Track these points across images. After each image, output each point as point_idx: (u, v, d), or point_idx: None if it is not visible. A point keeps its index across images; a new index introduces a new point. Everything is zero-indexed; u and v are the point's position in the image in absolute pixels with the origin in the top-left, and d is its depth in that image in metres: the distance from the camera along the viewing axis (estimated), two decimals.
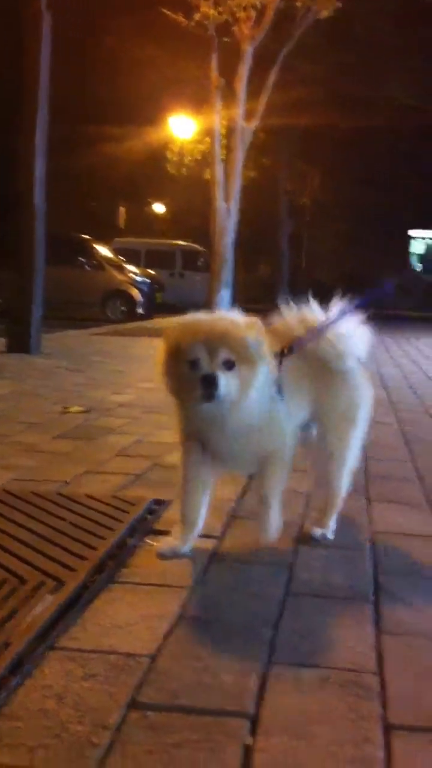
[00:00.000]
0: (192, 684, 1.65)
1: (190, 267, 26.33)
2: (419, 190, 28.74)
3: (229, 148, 13.60)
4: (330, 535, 2.61)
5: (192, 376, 2.09)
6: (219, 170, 13.37)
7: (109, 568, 2.27)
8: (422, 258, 33.51)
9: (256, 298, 27.30)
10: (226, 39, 13.40)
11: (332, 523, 2.64)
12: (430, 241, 33.24)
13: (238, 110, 13.39)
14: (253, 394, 2.16)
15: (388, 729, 1.51)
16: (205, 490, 2.44)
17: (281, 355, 2.35)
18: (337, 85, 18.97)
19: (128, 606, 2.03)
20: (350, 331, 2.56)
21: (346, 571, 2.34)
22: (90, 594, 2.09)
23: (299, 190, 27.15)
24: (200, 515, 2.44)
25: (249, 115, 13.67)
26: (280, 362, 2.33)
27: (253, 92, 13.63)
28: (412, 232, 33.06)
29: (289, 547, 2.52)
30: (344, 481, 2.62)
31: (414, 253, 33.73)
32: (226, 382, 2.08)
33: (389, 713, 1.56)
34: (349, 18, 14.01)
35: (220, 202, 13.41)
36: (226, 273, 13.87)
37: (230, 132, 13.55)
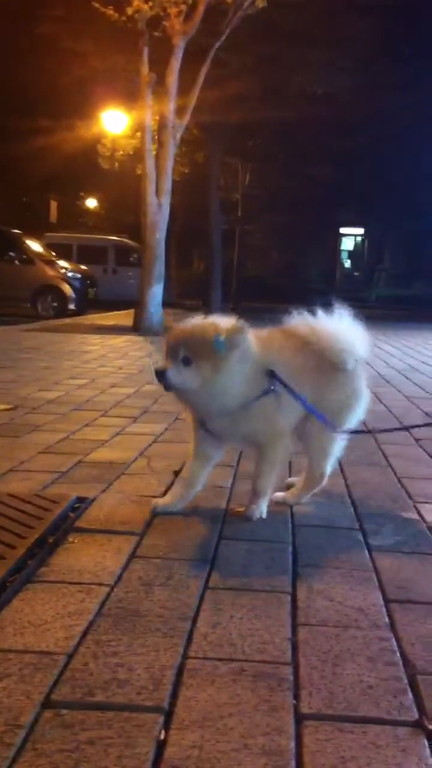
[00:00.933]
0: (107, 681, 1.65)
1: (123, 262, 26.22)
2: (351, 188, 29.15)
3: (160, 144, 13.53)
4: (292, 501, 2.99)
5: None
6: (150, 165, 13.29)
7: (29, 567, 2.25)
8: (351, 254, 34.01)
9: (190, 293, 27.39)
10: (157, 33, 13.33)
11: (305, 498, 3.01)
12: (359, 239, 33.71)
13: (169, 105, 13.34)
14: (221, 383, 2.56)
15: (300, 719, 1.54)
16: (209, 460, 2.88)
17: (271, 375, 2.69)
18: (267, 78, 19.05)
19: (46, 605, 2.02)
20: (351, 332, 2.91)
21: (266, 564, 2.37)
22: (8, 594, 2.07)
23: (232, 186, 27.27)
24: (199, 481, 2.86)
25: (180, 110, 13.62)
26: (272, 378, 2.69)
27: (185, 87, 13.59)
28: (342, 230, 33.51)
29: (211, 541, 2.54)
30: (325, 470, 2.99)
31: (344, 250, 34.19)
32: (177, 375, 2.54)
33: (301, 703, 1.59)
34: (276, 9, 13.98)
35: (151, 198, 13.34)
36: (159, 268, 13.81)
37: (161, 127, 13.48)
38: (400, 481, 3.50)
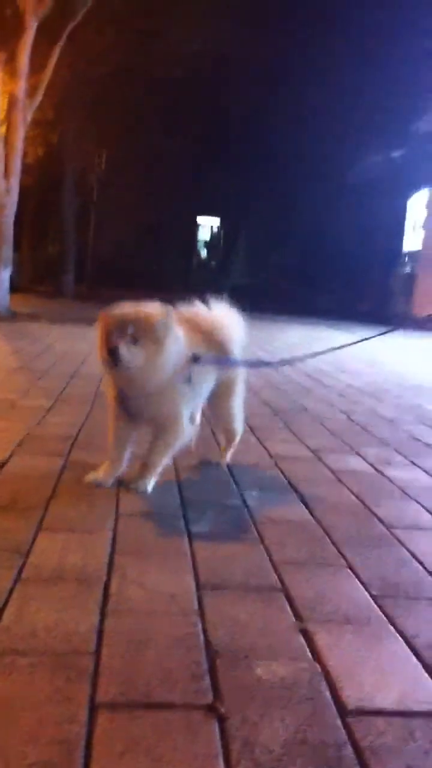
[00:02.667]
0: None
1: None
2: (206, 177, 29.37)
3: (9, 124, 13.15)
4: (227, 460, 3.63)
5: (106, 348, 2.79)
6: None
7: None
8: (207, 244, 34.33)
9: (42, 278, 26.84)
10: (8, 11, 12.95)
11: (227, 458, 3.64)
12: (215, 228, 34.05)
13: (20, 84, 12.99)
14: (160, 362, 2.83)
15: (94, 708, 1.55)
16: (129, 439, 3.14)
17: (194, 360, 3.02)
18: (120, 59, 18.86)
19: None
20: (235, 323, 3.43)
21: (82, 554, 2.36)
22: None
23: (87, 168, 26.88)
24: (124, 457, 3.15)
25: (32, 89, 13.30)
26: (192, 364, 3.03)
27: (37, 66, 13.27)
28: (199, 219, 33.73)
29: (28, 533, 2.50)
30: (238, 427, 3.61)
31: (201, 240, 34.45)
32: (128, 352, 2.76)
33: (98, 692, 1.60)
34: None
35: None
36: (6, 252, 13.46)
37: (11, 107, 13.10)
38: (228, 468, 3.57)
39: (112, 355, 2.76)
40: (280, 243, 31.20)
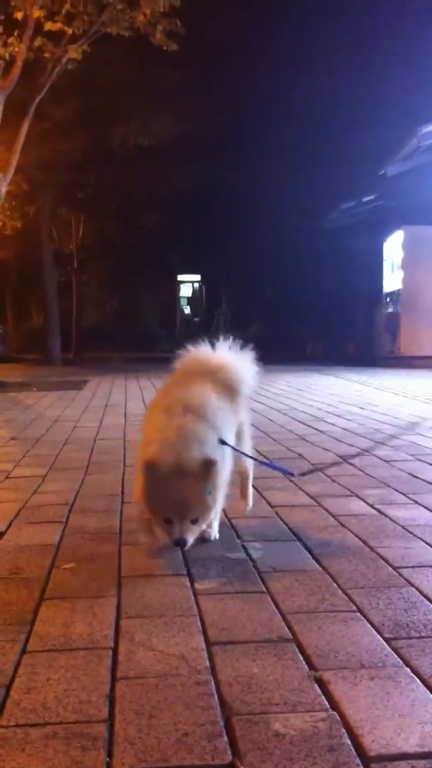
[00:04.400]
0: None
1: None
2: (184, 236, 29.71)
3: None
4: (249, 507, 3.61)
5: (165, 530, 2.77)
6: None
7: None
8: (190, 300, 34.58)
9: (29, 347, 26.96)
10: None
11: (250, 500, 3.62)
12: (196, 285, 34.32)
13: None
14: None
15: None
16: None
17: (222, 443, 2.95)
18: (90, 132, 19.30)
19: None
20: (247, 365, 3.39)
21: (87, 620, 2.33)
22: None
23: (65, 237, 27.21)
24: None
25: (3, 164, 13.52)
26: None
27: (7, 142, 13.52)
28: (180, 277, 34.03)
29: (32, 603, 2.47)
30: (249, 465, 3.54)
31: (183, 296, 34.71)
32: (191, 535, 2.75)
33: (114, 761, 1.56)
34: (93, 63, 14.30)
35: None
36: None
37: None
38: (230, 521, 3.54)
39: (180, 545, 2.73)
40: (262, 295, 31.47)
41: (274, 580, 2.70)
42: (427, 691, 1.85)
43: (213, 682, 1.91)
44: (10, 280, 30.90)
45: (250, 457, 3.49)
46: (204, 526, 2.88)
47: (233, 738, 1.65)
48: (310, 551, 3.06)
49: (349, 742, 1.63)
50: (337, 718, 1.73)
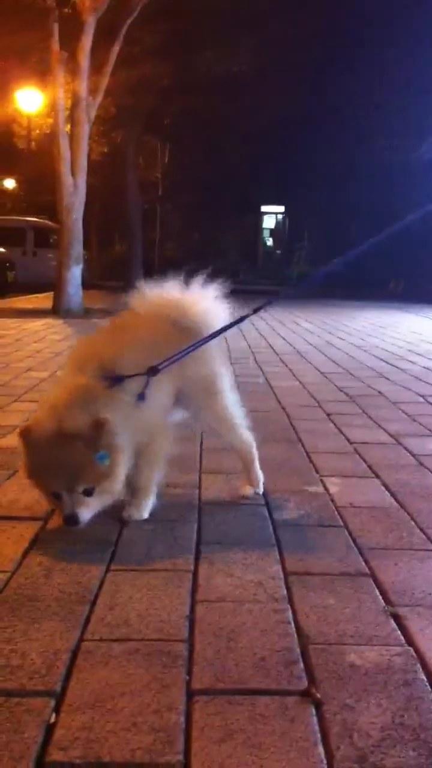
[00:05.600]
0: (0, 667, 1.64)
1: (43, 244, 25.66)
2: (270, 166, 29.22)
3: (74, 123, 13.32)
4: (260, 490, 2.91)
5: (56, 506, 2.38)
6: (64, 145, 13.09)
7: None
8: (272, 232, 34.14)
9: (111, 275, 27.15)
10: (67, 10, 13.10)
11: (260, 477, 2.92)
12: (279, 217, 33.84)
13: (82, 84, 13.13)
14: (120, 470, 2.36)
15: (191, 695, 1.56)
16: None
17: (151, 372, 2.45)
18: (178, 56, 18.98)
19: None
20: (210, 305, 2.74)
21: (169, 544, 2.38)
22: None
23: (150, 165, 27.08)
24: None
25: (93, 88, 13.44)
26: (148, 380, 2.45)
27: (98, 65, 13.41)
28: (263, 208, 33.59)
29: (115, 524, 2.54)
30: (245, 438, 2.84)
31: (265, 228, 34.29)
32: (87, 510, 2.30)
33: (193, 679, 1.62)
34: None
35: (66, 178, 13.15)
36: (77, 249, 13.65)
37: (75, 106, 13.26)
38: (308, 455, 3.55)
39: (70, 523, 2.29)
40: (346, 229, 30.86)
41: (351, 516, 2.71)
42: None
43: (290, 611, 1.94)
44: (94, 207, 31.08)
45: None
46: (108, 499, 2.38)
47: (309, 666, 1.68)
48: (388, 489, 3.05)
49: (424, 677, 1.65)
50: (413, 653, 1.75)
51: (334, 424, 4.28)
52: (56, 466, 2.27)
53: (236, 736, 1.43)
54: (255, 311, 2.84)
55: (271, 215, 34.36)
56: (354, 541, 2.46)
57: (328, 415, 4.53)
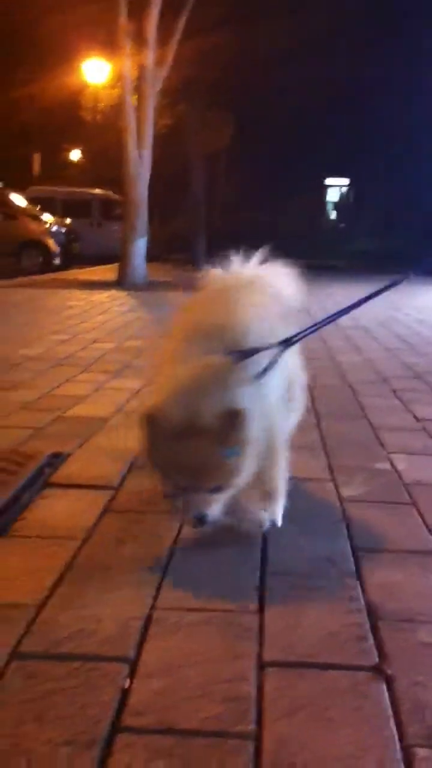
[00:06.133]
0: (75, 632, 1.68)
1: (108, 216, 25.80)
2: (334, 139, 28.81)
3: (140, 95, 13.32)
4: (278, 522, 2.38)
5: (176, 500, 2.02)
6: (131, 117, 13.11)
7: (2, 522, 2.27)
8: (336, 206, 33.71)
9: (174, 248, 27.16)
10: None
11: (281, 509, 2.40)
12: (344, 189, 33.40)
13: (148, 55, 13.11)
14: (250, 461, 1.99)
15: (262, 666, 1.57)
16: None
17: (286, 345, 2.17)
18: (244, 29, 18.78)
19: (18, 558, 2.04)
20: (286, 281, 2.62)
21: (237, 517, 2.39)
22: None
23: (214, 138, 26.91)
24: None
25: (159, 60, 13.41)
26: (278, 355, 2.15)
27: (164, 37, 13.36)
28: (327, 181, 33.21)
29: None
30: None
31: (330, 201, 33.91)
32: (216, 509, 1.98)
33: (264, 651, 1.63)
34: None
35: (132, 150, 13.19)
36: (142, 222, 13.71)
37: (141, 78, 13.25)
38: (375, 431, 3.53)
39: (199, 524, 1.98)
40: (412, 202, 30.29)
41: (420, 493, 2.68)
42: None
43: (359, 587, 1.94)
44: (158, 180, 31.05)
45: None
46: (233, 491, 2.02)
47: (379, 642, 1.68)
48: None
49: None
50: None
51: (400, 401, 4.23)
52: (183, 463, 1.92)
53: (307, 709, 1.44)
54: (386, 288, 2.42)
55: (336, 188, 33.97)
56: (422, 518, 2.44)
57: (394, 391, 4.48)
